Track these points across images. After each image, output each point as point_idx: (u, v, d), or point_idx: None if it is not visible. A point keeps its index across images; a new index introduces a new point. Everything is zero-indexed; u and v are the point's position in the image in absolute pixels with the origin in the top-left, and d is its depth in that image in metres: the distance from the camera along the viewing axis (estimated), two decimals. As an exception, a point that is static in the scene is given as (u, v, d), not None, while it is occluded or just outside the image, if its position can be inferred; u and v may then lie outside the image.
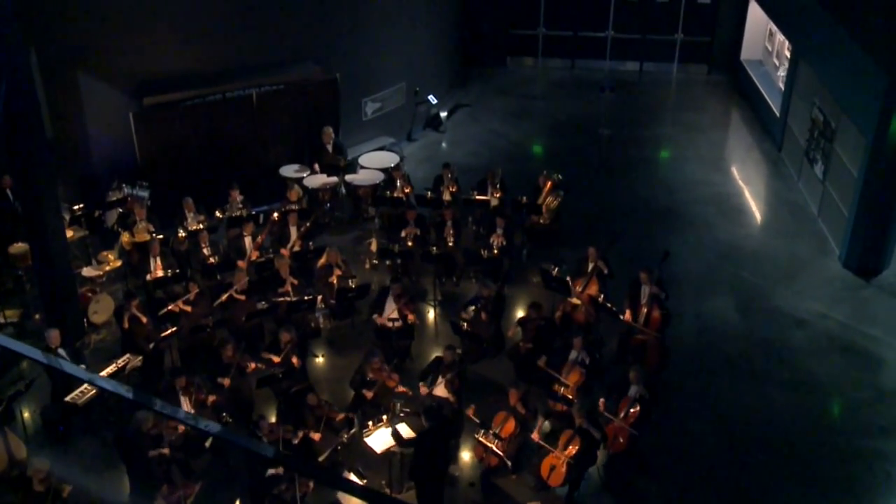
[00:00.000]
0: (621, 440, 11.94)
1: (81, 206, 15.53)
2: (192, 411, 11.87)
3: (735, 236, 17.50)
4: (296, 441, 11.35)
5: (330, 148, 17.63)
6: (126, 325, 13.36)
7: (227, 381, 12.35)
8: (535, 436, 11.61)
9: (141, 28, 16.27)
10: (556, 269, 14.22)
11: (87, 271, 14.99)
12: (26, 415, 12.78)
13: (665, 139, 21.70)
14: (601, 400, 11.94)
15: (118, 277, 15.44)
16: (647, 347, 13.47)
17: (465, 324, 13.40)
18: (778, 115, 20.83)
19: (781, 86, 21.50)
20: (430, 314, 15.15)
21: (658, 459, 12.23)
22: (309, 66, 17.99)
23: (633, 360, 13.42)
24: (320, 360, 14.15)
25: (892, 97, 14.86)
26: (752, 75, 23.37)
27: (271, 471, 10.92)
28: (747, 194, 19.19)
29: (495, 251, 15.33)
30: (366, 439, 11.27)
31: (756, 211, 18.59)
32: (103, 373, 12.45)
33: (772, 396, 13.38)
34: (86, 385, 12.20)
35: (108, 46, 16.16)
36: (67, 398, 12.11)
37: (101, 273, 14.99)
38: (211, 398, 12.02)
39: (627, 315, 13.56)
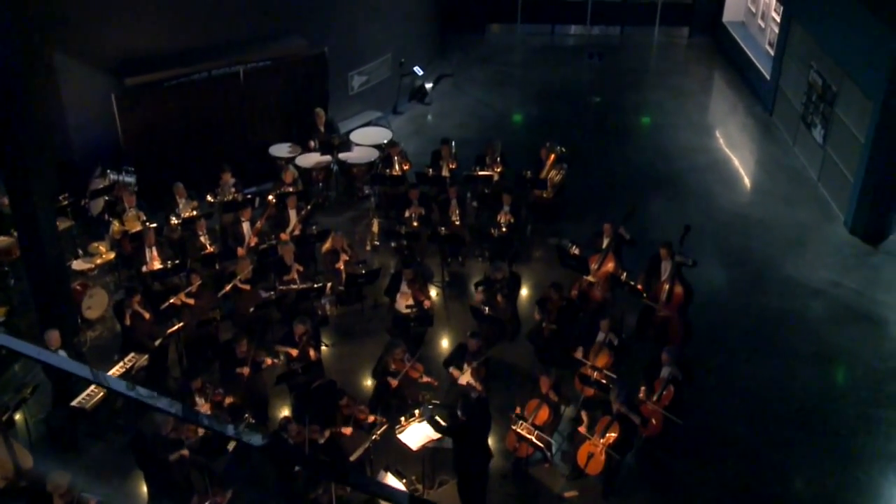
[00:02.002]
0: (654, 422, 11.62)
1: (66, 195, 14.68)
2: (209, 413, 11.32)
3: (738, 204, 17.26)
4: (322, 441, 10.83)
5: (322, 129, 16.94)
6: (128, 321, 12.66)
7: (246, 370, 11.78)
8: (582, 429, 11.22)
9: (121, 3, 15.39)
10: (574, 246, 13.79)
11: (77, 264, 14.19)
12: (25, 420, 12.06)
13: (654, 105, 21.32)
14: (642, 388, 11.59)
15: (110, 269, 14.68)
16: (670, 324, 13.16)
17: (487, 308, 12.93)
18: (768, 78, 20.55)
19: (769, 48, 21.23)
20: (439, 296, 14.62)
21: (691, 441, 11.94)
22: (295, 41, 17.25)
23: (655, 338, 13.16)
24: (327, 349, 13.52)
25: (902, 60, 14.63)
26: (735, 37, 23.06)
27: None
28: (744, 161, 18.94)
29: (503, 229, 14.86)
30: (399, 436, 10.80)
31: (755, 178, 18.34)
32: (110, 374, 11.83)
33: (798, 370, 13.17)
34: (93, 387, 11.57)
35: (87, 24, 15.24)
36: (74, 402, 11.46)
37: (93, 266, 14.22)
38: (228, 399, 11.44)
39: (639, 285, 13.20)
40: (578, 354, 12.20)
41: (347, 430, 11.00)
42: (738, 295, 14.73)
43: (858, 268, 15.33)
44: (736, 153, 19.18)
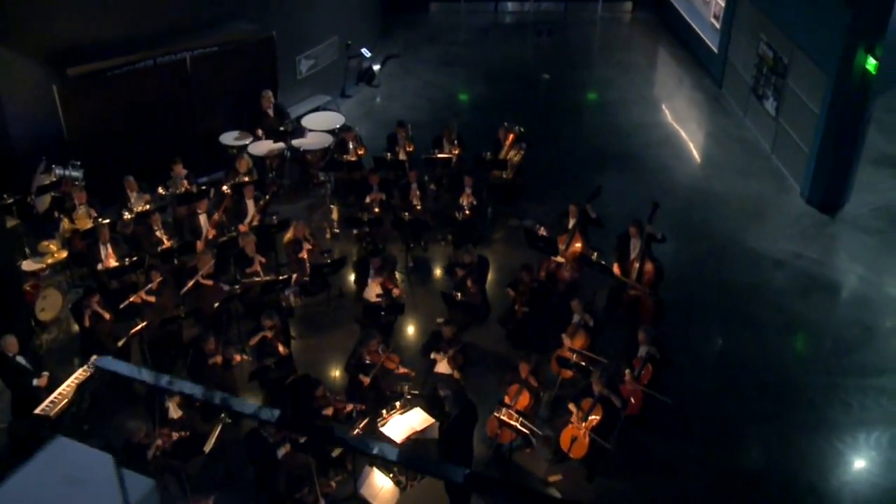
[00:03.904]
0: (633, 401, 11.57)
1: (10, 193, 14.03)
2: (181, 414, 10.96)
3: (694, 178, 17.32)
4: (303, 440, 10.53)
5: (271, 112, 16.49)
6: (87, 323, 12.18)
7: (219, 359, 11.44)
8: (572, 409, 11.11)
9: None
10: (542, 227, 13.64)
11: (27, 265, 13.56)
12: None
13: (603, 81, 21.25)
14: (626, 371, 11.50)
15: (61, 269, 14.07)
16: (641, 303, 13.12)
17: (459, 294, 12.72)
18: (716, 51, 20.63)
19: (714, 20, 21.31)
20: (403, 283, 14.32)
21: (669, 419, 11.89)
22: (242, 25, 16.71)
23: (627, 316, 13.12)
24: (294, 341, 13.17)
25: (855, 33, 14.72)
26: (680, 11, 23.11)
27: (281, 451, 10.16)
28: (697, 134, 19.01)
29: (467, 212, 14.66)
30: (382, 429, 10.56)
31: (709, 151, 18.40)
32: (72, 379, 11.36)
33: (768, 343, 13.25)
34: (55, 395, 11.09)
35: (24, 12, 14.52)
36: (37, 410, 10.96)
37: (44, 266, 13.61)
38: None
39: (616, 269, 13.17)
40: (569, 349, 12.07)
41: (329, 411, 10.76)
42: (703, 270, 14.76)
43: (818, 237, 15.50)
44: (687, 127, 19.24)
